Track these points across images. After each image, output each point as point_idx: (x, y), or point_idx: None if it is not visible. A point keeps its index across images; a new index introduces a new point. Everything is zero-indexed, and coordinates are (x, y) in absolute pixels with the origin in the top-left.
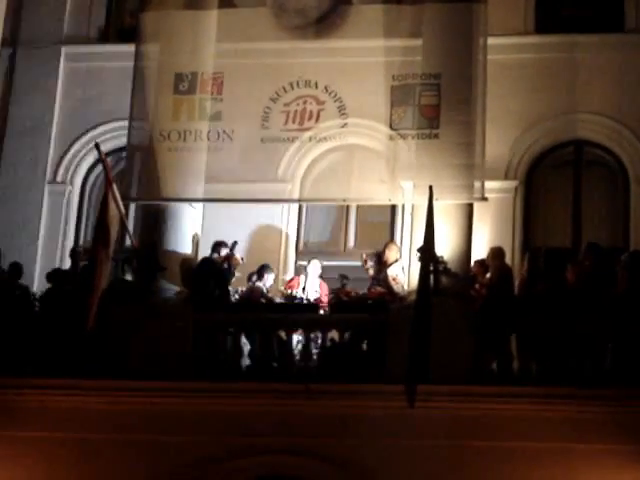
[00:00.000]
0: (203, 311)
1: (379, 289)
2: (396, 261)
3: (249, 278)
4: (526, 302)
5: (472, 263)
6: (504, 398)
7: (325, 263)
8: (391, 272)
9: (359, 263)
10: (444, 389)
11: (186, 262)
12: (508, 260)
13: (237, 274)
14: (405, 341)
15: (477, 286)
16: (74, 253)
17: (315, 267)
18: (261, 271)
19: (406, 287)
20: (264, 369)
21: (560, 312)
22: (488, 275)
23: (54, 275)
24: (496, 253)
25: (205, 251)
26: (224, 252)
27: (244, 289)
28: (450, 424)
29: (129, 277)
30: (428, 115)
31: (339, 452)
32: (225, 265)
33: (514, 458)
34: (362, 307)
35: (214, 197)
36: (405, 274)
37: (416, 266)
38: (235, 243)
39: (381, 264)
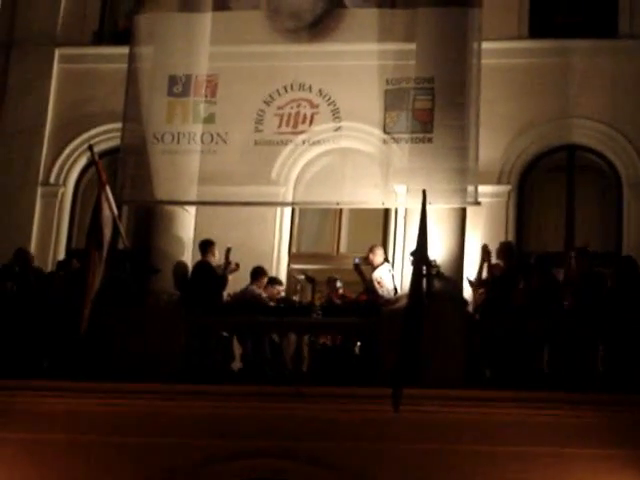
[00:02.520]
0: (196, 314)
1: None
2: (382, 264)
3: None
4: (519, 305)
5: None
6: (493, 402)
7: (318, 267)
8: (376, 275)
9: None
10: (433, 393)
11: (179, 265)
12: None
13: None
14: (397, 345)
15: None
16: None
17: None
18: (255, 274)
19: (399, 291)
20: (256, 372)
21: (550, 316)
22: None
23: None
24: (503, 249)
25: (197, 254)
26: (213, 250)
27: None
28: (440, 428)
29: (122, 279)
30: (422, 119)
31: (329, 455)
32: (220, 271)
33: (503, 462)
34: (354, 310)
35: (207, 200)
36: (391, 277)
37: (409, 270)
38: (229, 250)
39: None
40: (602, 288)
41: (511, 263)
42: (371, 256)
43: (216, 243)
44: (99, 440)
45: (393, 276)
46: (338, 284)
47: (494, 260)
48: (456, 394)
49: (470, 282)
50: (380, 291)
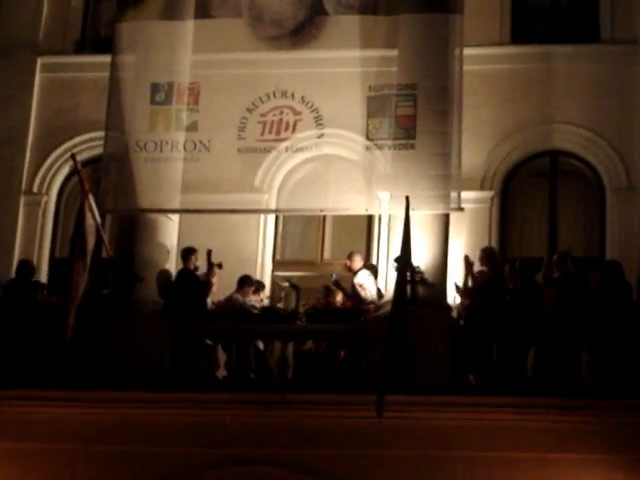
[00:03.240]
0: (180, 322)
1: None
2: (360, 269)
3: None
4: (505, 311)
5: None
6: (478, 408)
7: (302, 273)
8: (357, 280)
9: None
10: (418, 399)
11: (163, 273)
12: None
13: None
14: (381, 351)
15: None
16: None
17: None
18: (240, 283)
19: (384, 293)
20: (241, 380)
21: (536, 322)
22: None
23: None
24: (486, 255)
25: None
26: (194, 258)
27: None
28: (425, 434)
29: (106, 288)
30: (404, 125)
31: (314, 463)
32: (203, 277)
33: (489, 468)
34: (339, 317)
35: (191, 207)
36: (372, 280)
37: (393, 276)
38: (210, 252)
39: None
40: (586, 292)
41: (494, 267)
42: (349, 263)
43: (198, 251)
44: (85, 449)
45: (374, 279)
46: (334, 276)
47: (478, 267)
48: (441, 400)
49: (457, 287)
50: (364, 294)
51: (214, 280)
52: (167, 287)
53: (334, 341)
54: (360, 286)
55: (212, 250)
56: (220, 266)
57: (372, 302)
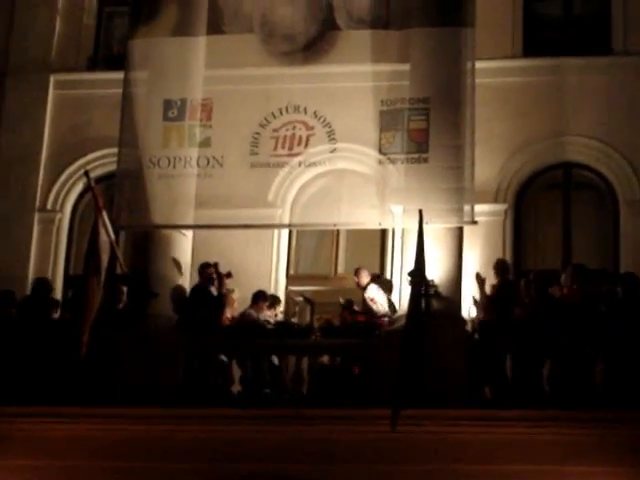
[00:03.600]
0: (194, 337)
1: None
2: (369, 284)
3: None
4: (520, 324)
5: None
6: (493, 421)
7: (315, 288)
8: (367, 294)
9: (349, 288)
10: (433, 413)
11: (177, 289)
12: None
13: (236, 296)
14: (396, 365)
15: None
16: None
17: None
18: (255, 298)
19: (396, 306)
20: (255, 395)
21: (549, 334)
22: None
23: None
24: (499, 267)
25: (195, 277)
26: (212, 273)
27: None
28: (440, 448)
29: (120, 304)
30: (417, 139)
31: (330, 477)
32: (214, 288)
33: None
34: (353, 331)
35: (204, 223)
36: (381, 293)
37: (407, 290)
38: (216, 264)
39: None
40: (600, 305)
41: (505, 279)
42: (357, 278)
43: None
44: (99, 465)
45: (384, 293)
46: (342, 300)
47: (492, 281)
48: (456, 414)
49: (475, 302)
50: (375, 308)
51: (235, 296)
52: (181, 302)
53: (348, 355)
54: (371, 300)
55: (218, 262)
56: (229, 275)
57: (385, 315)
